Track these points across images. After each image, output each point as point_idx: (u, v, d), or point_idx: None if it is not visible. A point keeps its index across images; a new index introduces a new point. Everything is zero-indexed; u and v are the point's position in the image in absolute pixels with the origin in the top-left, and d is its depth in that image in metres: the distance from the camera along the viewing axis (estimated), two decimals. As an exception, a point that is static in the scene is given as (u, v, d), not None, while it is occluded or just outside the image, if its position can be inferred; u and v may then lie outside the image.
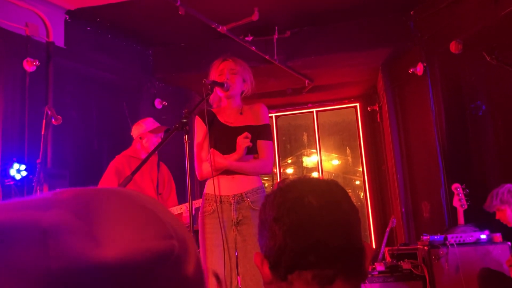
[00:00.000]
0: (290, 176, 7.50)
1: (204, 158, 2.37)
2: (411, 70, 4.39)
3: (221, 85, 2.36)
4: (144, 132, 3.45)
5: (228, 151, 2.36)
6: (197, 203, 2.97)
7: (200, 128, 2.44)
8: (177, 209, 3.34)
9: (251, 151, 2.42)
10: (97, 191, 0.42)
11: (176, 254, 0.38)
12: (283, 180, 1.10)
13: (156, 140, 3.36)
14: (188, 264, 0.40)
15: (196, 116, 2.47)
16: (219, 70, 2.45)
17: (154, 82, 4.99)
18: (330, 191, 0.87)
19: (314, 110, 6.20)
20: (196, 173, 2.42)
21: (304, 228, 0.82)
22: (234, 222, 2.33)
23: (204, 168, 2.38)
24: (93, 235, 0.37)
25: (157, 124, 3.50)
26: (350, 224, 0.85)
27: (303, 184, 0.88)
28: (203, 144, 2.43)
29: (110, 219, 0.38)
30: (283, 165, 6.87)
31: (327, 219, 0.82)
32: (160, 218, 0.40)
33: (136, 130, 3.52)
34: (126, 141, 4.30)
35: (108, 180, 3.35)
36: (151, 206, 0.42)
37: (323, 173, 6.21)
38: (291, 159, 7.36)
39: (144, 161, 1.97)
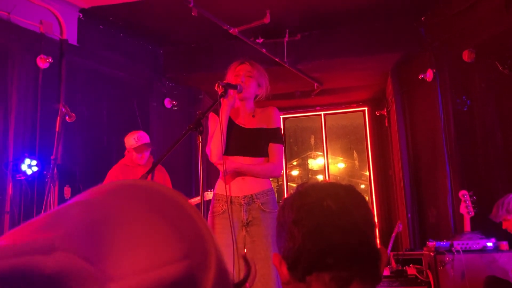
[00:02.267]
0: (297, 180, 7.51)
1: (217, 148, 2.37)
2: (420, 76, 4.39)
3: (234, 87, 2.39)
4: (130, 148, 3.59)
5: (240, 151, 2.40)
6: (206, 195, 3.01)
7: (214, 121, 2.47)
8: None
9: (262, 153, 2.46)
10: (110, 200, 0.39)
11: (191, 274, 0.37)
12: (302, 184, 1.12)
13: (139, 156, 3.48)
14: (208, 272, 0.38)
15: (211, 113, 2.52)
16: (236, 72, 2.48)
17: (164, 81, 5.03)
18: (348, 195, 0.90)
19: (322, 113, 6.21)
20: (209, 153, 2.42)
21: (323, 230, 0.84)
22: (244, 223, 2.35)
23: (213, 147, 2.39)
24: (102, 274, 0.34)
25: (145, 141, 3.57)
26: (367, 228, 0.87)
27: (322, 188, 0.91)
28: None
29: (122, 247, 0.36)
30: (289, 167, 6.90)
31: (345, 223, 0.85)
32: (176, 231, 0.38)
33: (126, 142, 3.63)
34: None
35: None
36: (169, 211, 0.39)
37: (329, 176, 6.22)
38: (296, 161, 7.38)
39: (149, 171, 2.02)
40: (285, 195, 5.17)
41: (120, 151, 4.35)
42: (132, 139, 3.56)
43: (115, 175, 3.49)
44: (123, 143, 4.10)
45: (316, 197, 0.87)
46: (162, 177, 3.62)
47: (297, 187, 0.94)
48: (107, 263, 0.34)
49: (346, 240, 0.83)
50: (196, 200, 3.43)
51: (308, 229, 0.84)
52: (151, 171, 2.03)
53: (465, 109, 3.97)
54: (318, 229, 0.84)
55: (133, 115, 4.63)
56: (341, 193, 0.89)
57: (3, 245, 0.35)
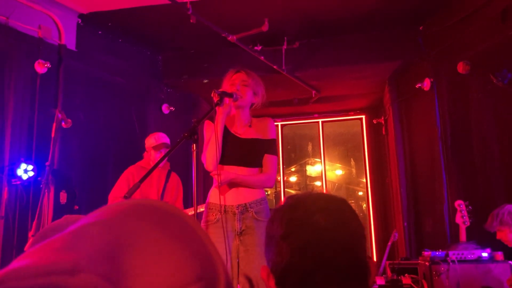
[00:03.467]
0: (295, 186, 7.50)
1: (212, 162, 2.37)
2: (418, 85, 4.40)
3: (230, 95, 2.40)
4: (149, 147, 3.63)
5: (236, 161, 2.41)
6: (201, 207, 3.02)
7: (209, 129, 2.48)
8: None
9: (257, 164, 2.47)
10: (125, 221, 0.39)
11: None
12: (292, 196, 1.10)
13: (158, 156, 3.53)
14: None
15: (207, 120, 2.52)
16: (231, 81, 2.49)
17: (162, 87, 5.05)
18: (339, 209, 0.89)
19: (320, 120, 6.25)
20: (204, 161, 2.44)
21: (312, 247, 0.84)
22: (237, 232, 2.35)
23: (209, 156, 2.39)
24: None
25: (164, 140, 3.65)
26: (357, 244, 0.87)
27: (312, 202, 0.90)
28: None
29: (140, 269, 0.36)
30: (286, 173, 6.89)
31: (335, 239, 0.85)
32: (189, 253, 0.39)
33: (146, 142, 3.70)
34: (132, 145, 4.34)
35: (119, 189, 3.51)
36: (181, 233, 0.40)
37: (327, 183, 6.22)
38: (294, 167, 7.39)
39: (150, 171, 2.03)
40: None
41: (117, 157, 4.35)
42: (153, 138, 3.64)
43: (130, 176, 3.52)
44: (120, 149, 4.09)
45: (305, 212, 0.87)
46: (175, 184, 3.68)
47: (287, 199, 0.93)
48: (128, 284, 0.35)
49: (335, 257, 0.83)
50: (190, 211, 3.44)
51: (296, 245, 0.84)
52: (144, 179, 2.04)
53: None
54: (307, 245, 0.84)
55: (131, 121, 4.64)
56: (332, 207, 0.88)
57: (26, 264, 0.35)
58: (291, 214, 0.88)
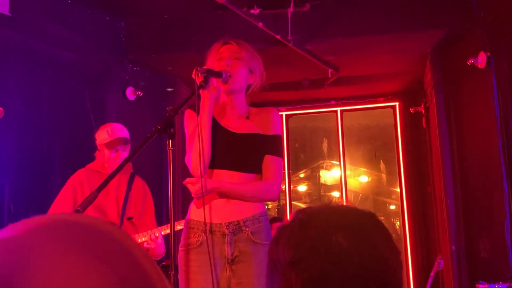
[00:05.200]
0: (305, 198, 7.49)
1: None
2: (470, 61, 4.38)
3: (218, 74, 2.39)
4: (101, 144, 3.59)
5: (226, 164, 2.42)
6: (179, 224, 3.01)
7: (192, 121, 2.49)
8: (150, 234, 3.39)
9: (255, 168, 2.46)
10: (33, 241, 0.41)
11: None
12: (303, 210, 1.09)
13: (113, 155, 3.48)
14: None
15: (188, 110, 2.51)
16: (219, 55, 2.49)
17: (126, 64, 4.98)
18: (365, 228, 0.88)
19: (338, 109, 6.18)
20: (189, 165, 2.46)
21: (329, 278, 0.83)
22: (228, 259, 2.34)
23: (195, 158, 2.40)
24: None
25: (121, 134, 3.60)
26: (390, 273, 0.86)
27: (329, 217, 0.89)
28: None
29: None
30: (294, 181, 6.89)
31: (360, 267, 0.83)
32: (115, 275, 0.40)
33: (97, 138, 3.66)
34: (85, 143, 4.31)
35: (62, 202, 3.49)
36: (106, 252, 0.42)
37: (347, 193, 6.22)
38: (304, 172, 7.40)
39: (110, 177, 2.00)
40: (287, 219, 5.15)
41: (65, 158, 4.32)
42: (105, 132, 3.59)
43: (77, 184, 3.50)
44: (69, 148, 4.04)
45: (322, 230, 0.86)
46: (141, 191, 3.67)
47: (297, 213, 0.93)
48: None
49: None
50: (164, 229, 3.42)
51: (309, 274, 0.84)
52: (103, 186, 2.00)
53: None
54: (323, 276, 0.83)
55: (84, 110, 4.60)
56: (356, 224, 0.88)
57: None
58: (302, 234, 0.87)
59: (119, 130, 3.62)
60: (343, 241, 0.85)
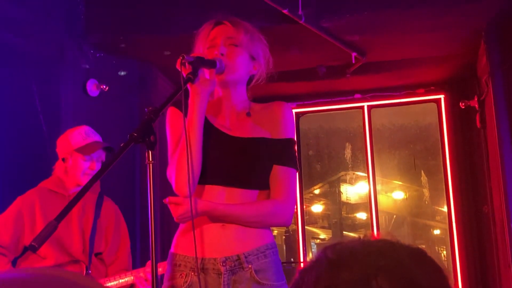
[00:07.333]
0: (321, 221, 7.54)
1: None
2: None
3: (210, 64, 2.39)
4: (69, 151, 3.54)
5: (222, 178, 2.45)
6: (162, 266, 3.04)
7: (177, 122, 2.51)
8: (126, 277, 3.40)
9: (260, 183, 2.43)
10: None
11: None
12: (332, 246, 1.12)
13: (86, 165, 3.47)
14: None
15: (171, 107, 2.53)
16: (210, 40, 2.51)
17: (86, 50, 4.91)
18: (414, 270, 0.91)
19: (365, 104, 6.22)
20: (171, 181, 2.48)
21: None
22: (225, 306, 2.24)
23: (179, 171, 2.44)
24: None
25: (95, 138, 3.53)
26: None
27: (367, 256, 0.92)
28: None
29: None
30: (307, 199, 6.92)
31: None
32: None
33: (64, 143, 3.60)
34: (35, 152, 4.35)
35: (4, 232, 3.45)
36: None
37: (378, 214, 6.26)
38: (320, 188, 7.41)
39: (76, 199, 2.01)
40: (300, 255, 5.14)
41: (7, 174, 4.34)
42: (77, 134, 3.59)
43: (25, 211, 3.44)
44: (12, 159, 4.03)
45: (359, 271, 0.89)
46: (113, 217, 3.69)
47: (325, 250, 0.96)
48: None
49: None
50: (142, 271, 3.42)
51: None
52: (65, 213, 2.01)
53: None
54: None
55: (32, 111, 4.55)
56: (402, 263, 0.91)
57: None
58: (332, 277, 0.90)
59: (95, 133, 3.60)
60: (387, 285, 0.88)
